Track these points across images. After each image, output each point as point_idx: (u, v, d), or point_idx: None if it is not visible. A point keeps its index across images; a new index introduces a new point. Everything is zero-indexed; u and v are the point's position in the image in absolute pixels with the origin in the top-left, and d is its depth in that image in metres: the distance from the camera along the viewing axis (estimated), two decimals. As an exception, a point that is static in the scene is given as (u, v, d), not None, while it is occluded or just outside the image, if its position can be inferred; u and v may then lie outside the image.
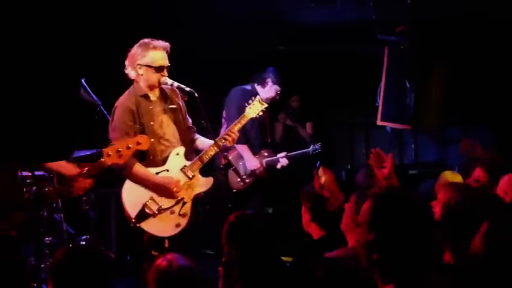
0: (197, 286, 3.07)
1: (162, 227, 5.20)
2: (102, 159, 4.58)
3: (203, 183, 5.43)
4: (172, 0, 7.66)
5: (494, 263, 2.63)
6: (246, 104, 5.74)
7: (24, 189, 5.93)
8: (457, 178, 5.53)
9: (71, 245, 5.59)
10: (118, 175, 5.14)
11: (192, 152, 5.46)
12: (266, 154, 7.27)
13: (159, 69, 5.25)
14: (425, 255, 2.44)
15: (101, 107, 6.39)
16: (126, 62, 5.33)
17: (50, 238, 6.47)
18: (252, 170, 7.08)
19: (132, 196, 5.15)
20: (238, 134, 5.49)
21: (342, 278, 3.37)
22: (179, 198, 5.24)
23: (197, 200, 5.51)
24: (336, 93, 9.43)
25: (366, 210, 2.52)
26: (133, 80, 5.34)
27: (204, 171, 5.46)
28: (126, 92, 5.34)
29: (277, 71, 7.30)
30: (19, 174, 4.81)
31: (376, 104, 6.41)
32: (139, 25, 7.26)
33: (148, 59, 5.23)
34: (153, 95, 5.34)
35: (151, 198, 5.15)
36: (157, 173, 5.21)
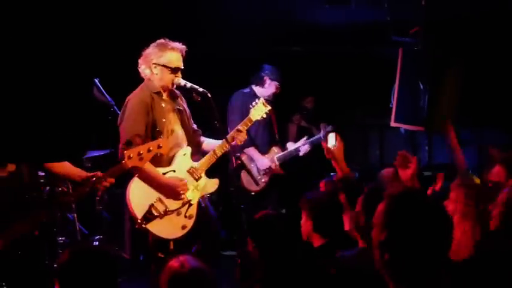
0: (209, 288, 3.07)
1: (168, 228, 5.16)
2: (123, 162, 4.57)
3: (210, 185, 5.43)
4: (184, 2, 7.66)
5: None
6: (250, 106, 5.75)
7: (38, 190, 5.99)
8: (475, 180, 5.49)
9: (77, 245, 5.58)
10: (129, 174, 5.11)
11: (198, 154, 5.45)
12: (276, 151, 7.27)
13: (174, 70, 5.25)
14: (439, 257, 2.43)
15: (115, 107, 6.41)
16: (140, 61, 5.33)
17: (63, 238, 6.50)
18: (264, 169, 7.08)
19: (139, 196, 5.10)
20: (246, 134, 5.46)
21: (354, 277, 3.37)
22: (186, 200, 5.23)
23: (210, 201, 5.53)
24: (350, 95, 9.41)
25: (380, 211, 2.51)
26: (143, 80, 5.35)
27: (210, 175, 5.46)
28: (139, 88, 5.32)
29: (274, 66, 7.36)
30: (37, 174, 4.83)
31: (390, 106, 6.38)
32: (153, 27, 7.28)
33: (165, 59, 5.24)
34: (165, 94, 5.35)
35: (159, 199, 5.11)
36: (164, 173, 5.18)
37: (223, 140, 5.37)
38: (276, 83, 7.23)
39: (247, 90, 7.30)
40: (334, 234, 4.35)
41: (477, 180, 5.50)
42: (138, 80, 5.38)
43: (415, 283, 2.41)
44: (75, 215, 6.74)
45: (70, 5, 6.70)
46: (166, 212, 5.13)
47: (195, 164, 5.34)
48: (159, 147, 4.69)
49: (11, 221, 4.26)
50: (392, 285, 2.46)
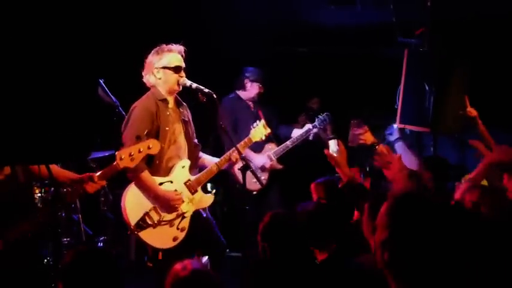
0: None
1: (160, 238, 5.18)
2: (115, 163, 4.60)
3: (205, 200, 5.46)
4: (190, 3, 7.66)
5: None
6: (252, 127, 5.81)
7: (43, 190, 6.00)
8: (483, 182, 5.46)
9: (80, 247, 5.59)
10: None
11: (195, 168, 5.47)
12: (271, 147, 7.26)
13: (176, 69, 5.28)
14: (441, 258, 2.42)
15: (120, 108, 6.40)
16: (144, 72, 5.37)
17: (68, 239, 6.51)
18: (260, 167, 7.09)
19: (135, 202, 5.13)
20: (243, 155, 5.42)
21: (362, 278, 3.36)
22: (180, 212, 5.24)
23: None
24: (356, 96, 9.38)
25: (382, 212, 2.52)
26: (149, 89, 5.38)
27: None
28: (145, 96, 5.36)
29: (255, 68, 7.50)
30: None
31: (395, 107, 6.37)
32: (158, 27, 7.29)
33: (164, 61, 5.29)
34: (171, 102, 5.36)
35: (154, 209, 5.14)
36: (161, 183, 5.21)
37: (222, 157, 5.47)
38: (257, 84, 7.38)
39: (232, 95, 7.49)
40: (335, 246, 4.26)
41: (484, 182, 5.47)
42: (143, 81, 5.40)
43: (416, 283, 2.41)
44: (80, 215, 6.75)
45: (75, 5, 6.71)
46: (160, 222, 5.15)
47: (193, 178, 5.37)
48: (149, 148, 4.71)
49: (10, 222, 4.27)
50: (394, 285, 2.46)
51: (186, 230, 5.27)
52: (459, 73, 6.04)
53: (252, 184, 6.77)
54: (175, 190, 5.24)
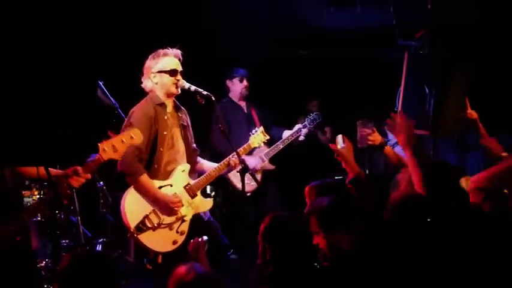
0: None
1: (159, 242, 5.18)
2: (98, 155, 4.54)
3: (204, 204, 5.47)
4: (191, 5, 7.66)
5: None
6: (250, 133, 5.90)
7: (42, 191, 5.98)
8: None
9: (78, 250, 5.57)
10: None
11: (193, 173, 5.47)
12: (262, 148, 7.24)
13: (172, 72, 5.28)
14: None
15: (119, 110, 6.40)
16: (142, 77, 5.38)
17: (67, 240, 6.50)
18: (252, 169, 7.08)
19: (135, 205, 5.13)
20: (242, 158, 5.41)
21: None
22: (180, 215, 5.24)
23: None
24: (355, 98, 9.38)
25: None
26: (147, 94, 5.38)
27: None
28: (143, 100, 5.36)
29: (234, 67, 7.58)
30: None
31: (396, 109, 6.35)
32: (159, 29, 7.29)
33: (160, 65, 5.30)
34: (169, 106, 5.36)
35: (154, 211, 5.14)
36: (160, 187, 5.21)
37: (221, 162, 5.48)
38: (235, 79, 7.50)
39: (225, 99, 7.55)
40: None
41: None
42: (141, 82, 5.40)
43: None
44: (79, 217, 6.73)
45: (75, 7, 6.71)
46: (160, 225, 5.15)
47: (192, 182, 5.38)
48: (131, 138, 4.62)
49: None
50: None
51: (186, 233, 5.25)
52: (459, 76, 6.02)
53: (247, 186, 6.76)
54: (175, 193, 5.23)
